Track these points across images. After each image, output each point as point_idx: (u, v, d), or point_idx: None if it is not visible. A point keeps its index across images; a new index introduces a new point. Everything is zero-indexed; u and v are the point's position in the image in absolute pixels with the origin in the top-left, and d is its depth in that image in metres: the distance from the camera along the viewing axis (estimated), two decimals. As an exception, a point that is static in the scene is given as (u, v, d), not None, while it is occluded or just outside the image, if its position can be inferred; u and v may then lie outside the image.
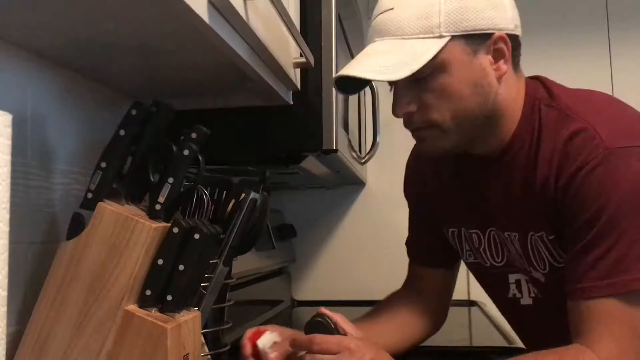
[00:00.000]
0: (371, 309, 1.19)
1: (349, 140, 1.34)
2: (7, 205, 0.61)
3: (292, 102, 1.12)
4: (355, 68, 0.89)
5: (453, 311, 1.24)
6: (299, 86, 1.10)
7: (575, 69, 2.04)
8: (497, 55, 0.91)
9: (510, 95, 0.94)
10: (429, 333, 1.19)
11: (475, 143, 0.96)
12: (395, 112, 0.92)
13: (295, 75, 1.08)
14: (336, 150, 1.12)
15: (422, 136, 0.94)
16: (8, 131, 0.61)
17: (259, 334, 0.98)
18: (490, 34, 0.90)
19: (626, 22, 2.07)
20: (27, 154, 0.79)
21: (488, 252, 1.05)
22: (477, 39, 0.90)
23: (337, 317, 0.96)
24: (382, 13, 0.91)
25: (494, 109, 0.93)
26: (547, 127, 0.92)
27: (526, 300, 1.04)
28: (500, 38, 0.91)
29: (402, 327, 1.15)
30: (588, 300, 0.85)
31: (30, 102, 0.81)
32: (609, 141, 0.85)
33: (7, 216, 0.61)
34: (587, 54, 2.06)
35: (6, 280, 0.61)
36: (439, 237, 1.14)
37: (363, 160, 1.44)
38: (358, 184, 2.06)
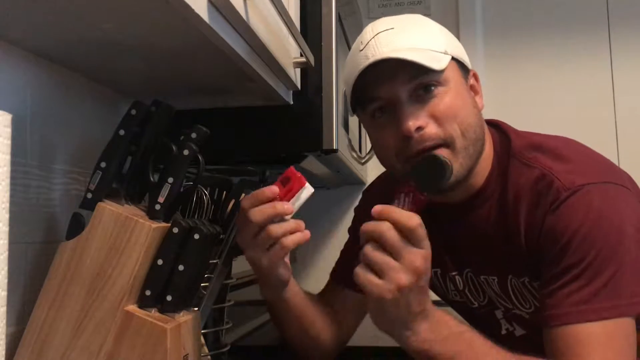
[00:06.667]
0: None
1: (349, 140, 1.33)
2: (7, 205, 0.61)
3: (292, 102, 1.11)
4: (390, 55, 0.86)
5: (453, 311, 1.23)
6: (299, 86, 1.10)
7: (575, 69, 2.03)
8: (473, 91, 0.95)
9: (487, 135, 0.96)
10: (330, 341, 1.13)
11: (459, 184, 0.93)
12: (407, 127, 0.87)
13: (295, 75, 1.08)
14: (336, 150, 1.12)
15: None
16: (8, 131, 0.61)
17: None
18: (469, 70, 0.95)
19: (627, 22, 2.06)
20: (27, 154, 0.79)
21: (469, 294, 1.04)
22: (463, 69, 0.94)
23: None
24: (382, 32, 0.90)
25: (483, 140, 0.93)
26: (511, 176, 0.93)
27: (520, 331, 1.02)
28: (474, 75, 0.96)
29: (312, 321, 1.10)
30: (568, 325, 0.81)
31: (30, 102, 0.81)
32: (567, 183, 0.87)
33: (7, 216, 0.61)
34: (587, 54, 2.06)
35: (6, 280, 0.61)
36: None
37: (363, 160, 1.44)
38: (358, 184, 2.06)
